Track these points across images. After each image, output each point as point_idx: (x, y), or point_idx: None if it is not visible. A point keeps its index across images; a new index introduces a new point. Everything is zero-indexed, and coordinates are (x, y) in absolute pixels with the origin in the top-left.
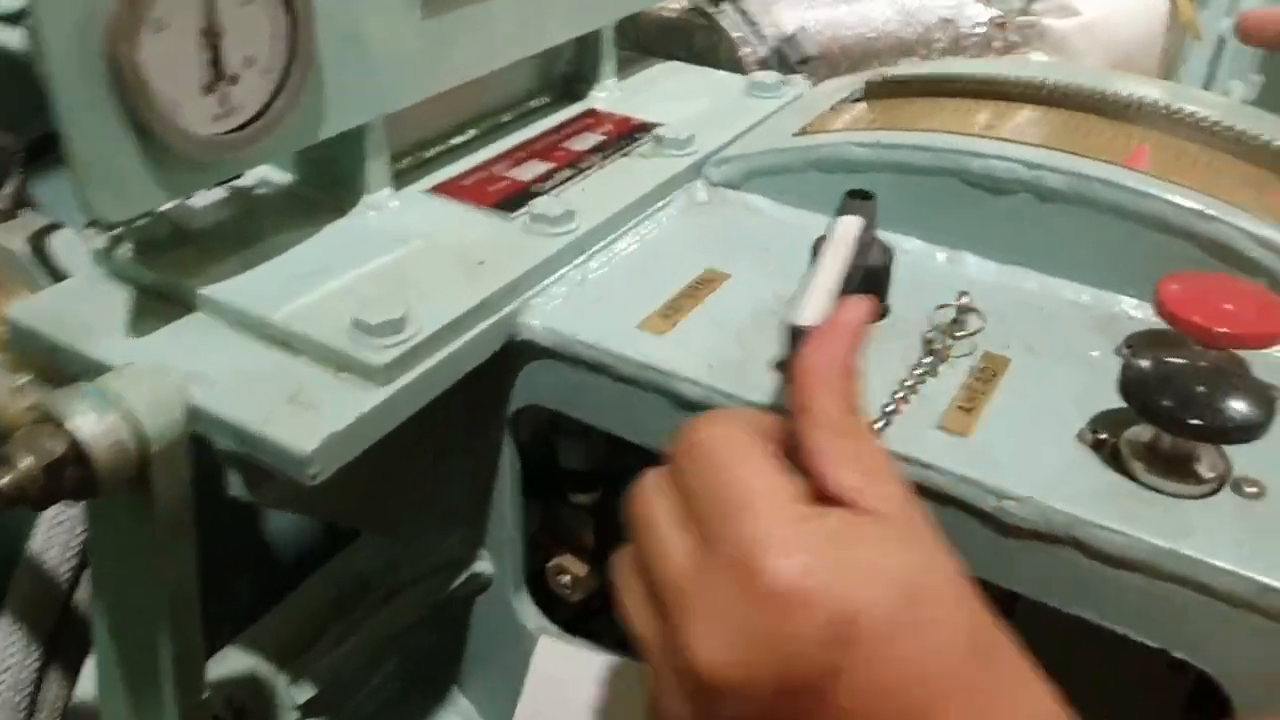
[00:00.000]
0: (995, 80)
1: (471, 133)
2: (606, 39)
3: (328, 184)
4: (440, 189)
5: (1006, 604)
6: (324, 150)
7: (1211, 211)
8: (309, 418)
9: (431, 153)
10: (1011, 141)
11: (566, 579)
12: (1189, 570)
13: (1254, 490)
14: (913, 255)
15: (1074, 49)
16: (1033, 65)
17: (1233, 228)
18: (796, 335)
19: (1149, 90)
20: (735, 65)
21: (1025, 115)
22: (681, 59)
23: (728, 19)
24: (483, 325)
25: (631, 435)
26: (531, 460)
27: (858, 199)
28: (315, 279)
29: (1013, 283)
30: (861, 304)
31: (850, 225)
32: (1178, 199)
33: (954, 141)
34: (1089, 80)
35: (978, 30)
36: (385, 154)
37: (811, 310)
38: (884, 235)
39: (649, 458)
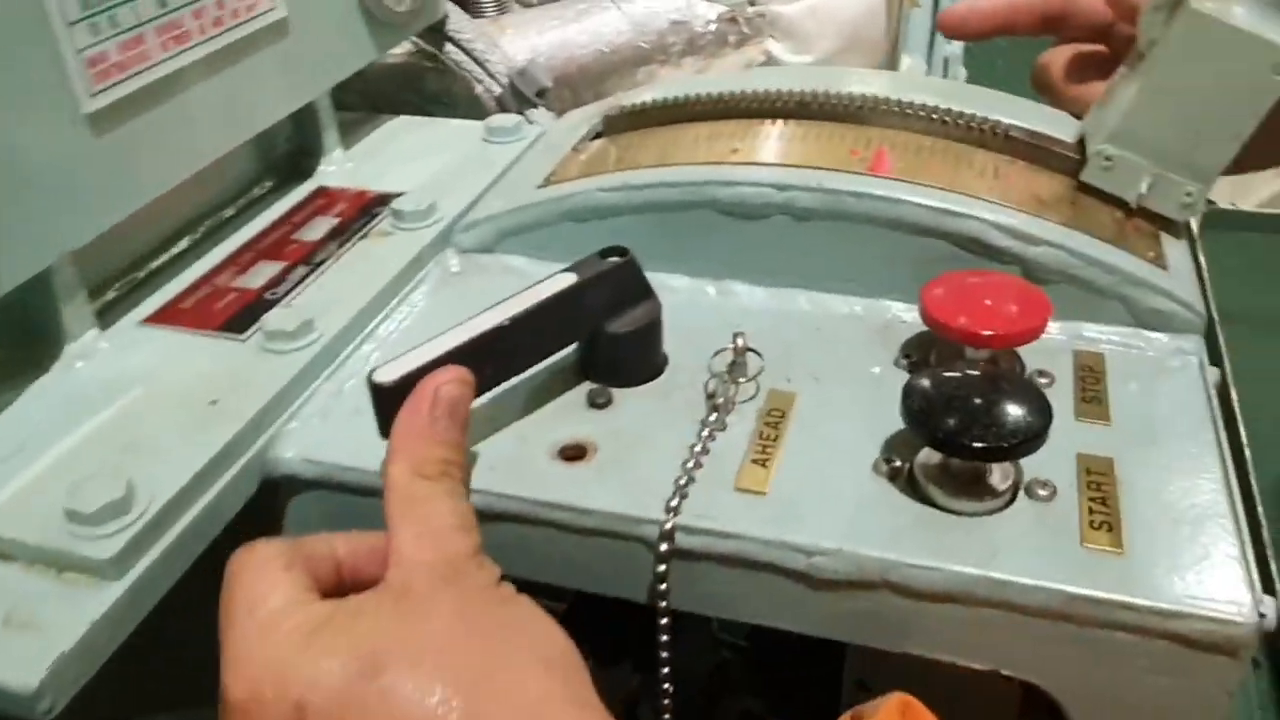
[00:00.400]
0: (731, 98)
1: (189, 239)
2: (324, 108)
3: (21, 340)
4: (158, 317)
5: None
6: (8, 303)
7: (957, 208)
8: (28, 641)
9: (145, 272)
10: (758, 164)
11: None
12: (1000, 593)
13: (1046, 492)
14: (682, 294)
15: (804, 32)
16: (765, 76)
17: (980, 221)
18: (374, 391)
19: (878, 86)
20: (473, 104)
21: (766, 131)
22: (415, 104)
23: (456, 58)
24: (227, 476)
25: None
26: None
27: (608, 256)
28: (15, 462)
29: (785, 306)
30: (449, 372)
31: (525, 298)
32: (924, 200)
33: (701, 173)
34: (820, 84)
35: (710, 28)
36: (82, 292)
37: (392, 369)
38: (652, 277)
39: None
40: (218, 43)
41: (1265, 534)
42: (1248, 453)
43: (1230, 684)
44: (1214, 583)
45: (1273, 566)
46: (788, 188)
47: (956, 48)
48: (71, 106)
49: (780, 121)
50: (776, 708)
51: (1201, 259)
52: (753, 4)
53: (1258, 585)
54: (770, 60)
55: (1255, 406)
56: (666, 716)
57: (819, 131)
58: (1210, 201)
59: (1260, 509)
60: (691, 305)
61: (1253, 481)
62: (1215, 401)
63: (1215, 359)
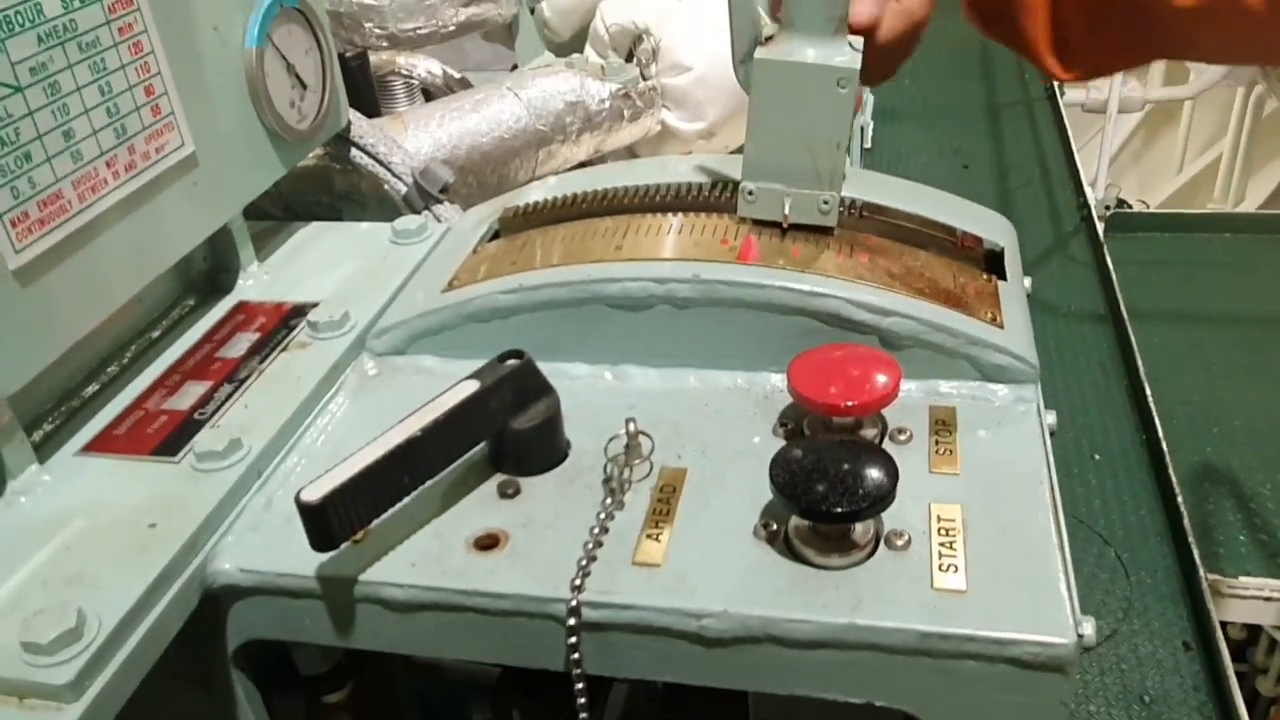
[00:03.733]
0: (613, 195)
1: (119, 364)
2: (238, 227)
3: None
4: (94, 445)
5: None
6: None
7: (818, 289)
8: None
9: (79, 401)
10: (639, 260)
11: None
12: (866, 637)
13: (902, 542)
14: (582, 380)
15: (695, 101)
16: (645, 169)
17: (836, 299)
18: (302, 510)
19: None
20: (382, 201)
21: (646, 225)
22: (327, 204)
23: (361, 161)
24: (169, 594)
25: (357, 646)
26: (271, 672)
27: (508, 360)
28: None
29: (675, 384)
30: None
31: (434, 408)
32: (787, 283)
33: (588, 271)
34: (694, 176)
35: (605, 105)
36: (19, 432)
37: (317, 488)
38: (553, 366)
39: None
40: (130, 186)
41: (1185, 522)
42: (1164, 444)
43: (1064, 695)
44: (1041, 611)
45: (1195, 552)
46: (666, 281)
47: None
48: None
49: (658, 215)
50: None
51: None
52: (644, 79)
53: (1077, 609)
54: (665, 128)
55: (1169, 396)
56: None
57: (694, 223)
58: (1122, 202)
59: (1180, 497)
60: (591, 390)
61: (1170, 471)
62: (1049, 444)
63: (1127, 355)
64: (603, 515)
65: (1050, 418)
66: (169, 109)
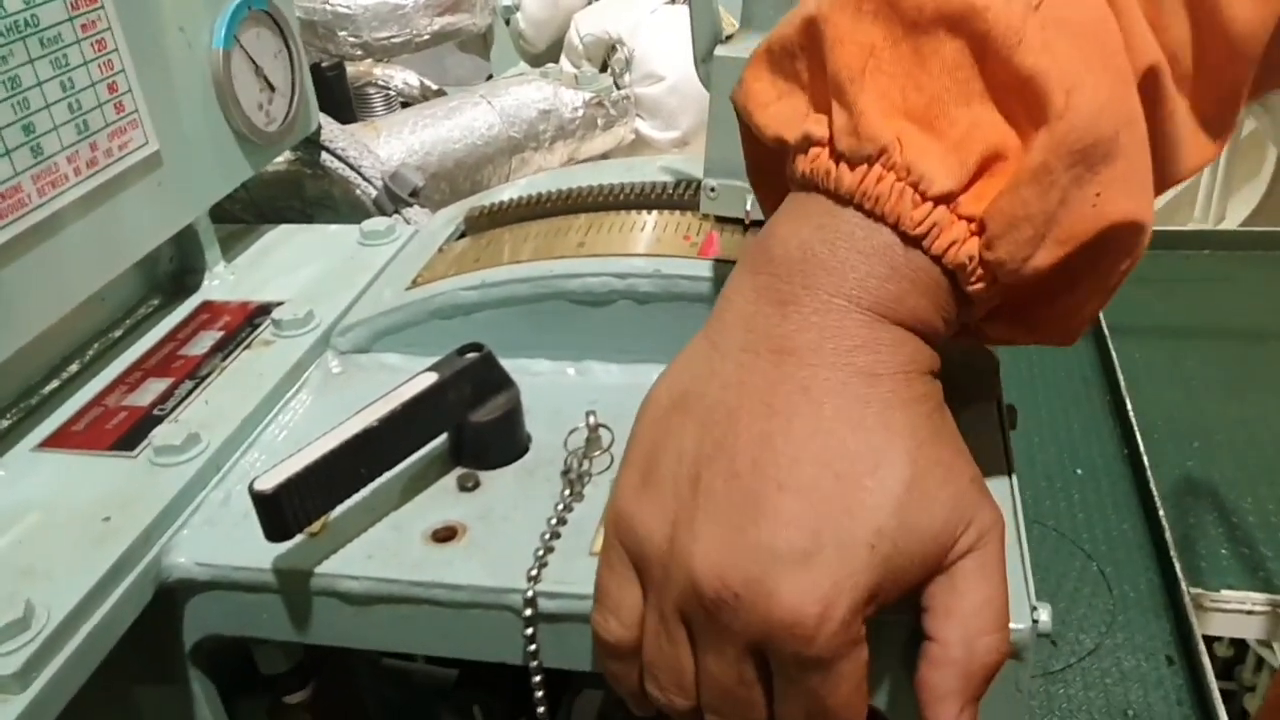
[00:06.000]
0: (577, 194)
1: (79, 363)
2: (204, 228)
3: None
4: (51, 442)
5: None
6: None
7: None
8: None
9: (37, 399)
10: (600, 256)
11: None
12: None
13: None
14: (545, 376)
15: (668, 110)
16: (611, 169)
17: None
18: (255, 499)
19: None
20: (354, 206)
21: (609, 222)
22: (298, 209)
23: (331, 165)
24: (123, 586)
25: (317, 642)
26: (233, 673)
27: (468, 353)
28: None
29: (636, 380)
30: None
31: (392, 399)
32: None
33: (551, 267)
34: (656, 176)
35: (578, 114)
36: None
37: (271, 477)
38: (516, 362)
39: None
40: (92, 182)
41: (1167, 536)
42: (1145, 459)
43: (1021, 681)
44: None
45: (1177, 565)
46: (627, 276)
47: None
48: None
49: (622, 212)
50: None
51: None
52: (618, 88)
53: (1033, 595)
54: (639, 137)
55: (1150, 410)
56: None
57: (657, 220)
58: None
59: (1161, 511)
60: (553, 386)
61: (1152, 486)
62: (1007, 429)
63: (1108, 370)
64: (561, 507)
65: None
66: (132, 106)
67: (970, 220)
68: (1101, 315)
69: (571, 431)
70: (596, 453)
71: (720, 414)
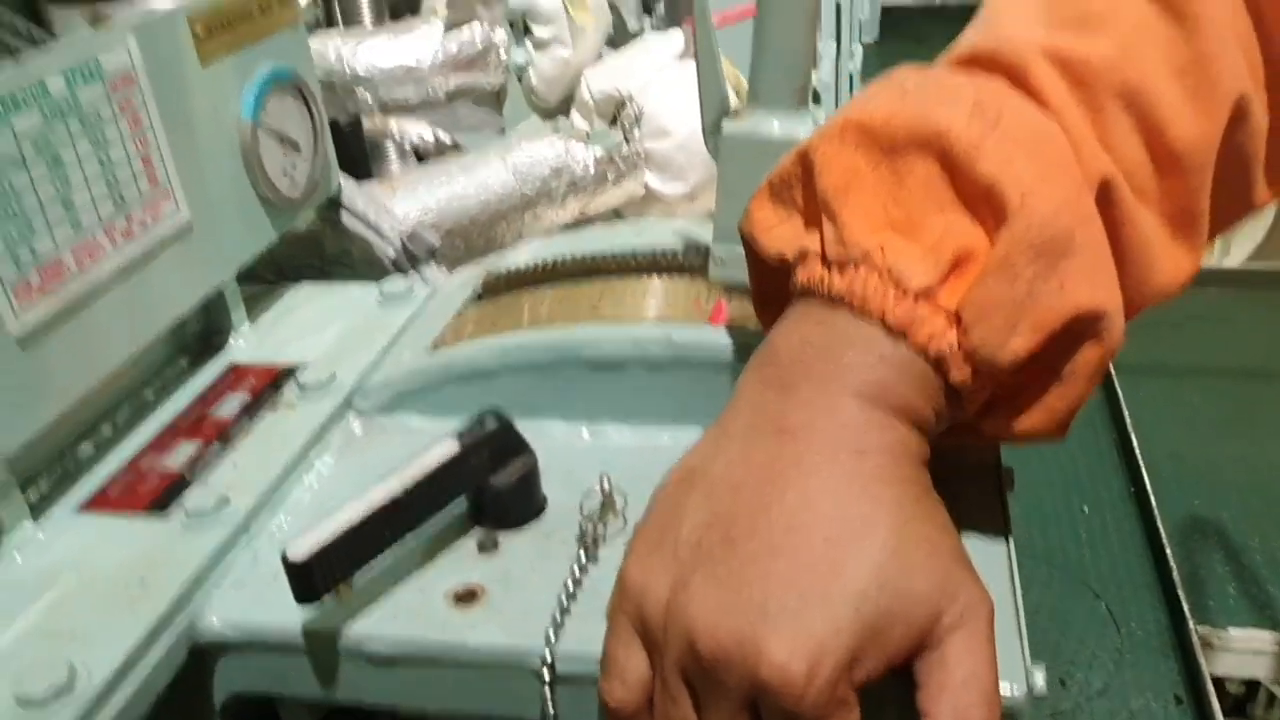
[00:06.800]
0: (591, 260)
1: (112, 425)
2: (230, 290)
3: None
4: (90, 505)
5: None
6: None
7: None
8: None
9: (72, 461)
10: (615, 321)
11: None
12: None
13: None
14: (560, 438)
15: (677, 165)
16: (623, 233)
17: None
18: (287, 567)
19: None
20: (372, 263)
21: (622, 288)
22: (317, 266)
23: (351, 224)
24: (159, 648)
25: (342, 700)
26: None
27: (486, 420)
28: None
29: (649, 442)
30: None
31: (419, 465)
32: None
33: (566, 333)
34: (667, 239)
35: (589, 170)
36: (15, 490)
37: (302, 545)
38: (532, 424)
39: None
40: (128, 253)
41: (1175, 574)
42: (1152, 497)
43: None
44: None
45: (1184, 604)
46: (640, 343)
47: None
48: None
49: (634, 278)
50: None
51: None
52: (628, 143)
53: (1028, 659)
54: (649, 191)
55: (1156, 449)
56: None
57: (668, 286)
58: None
59: (1169, 550)
60: (568, 448)
61: (1159, 524)
62: (1005, 489)
63: (1114, 409)
64: (577, 570)
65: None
66: (166, 178)
67: (948, 313)
68: None
69: (586, 494)
70: (610, 516)
71: (723, 487)
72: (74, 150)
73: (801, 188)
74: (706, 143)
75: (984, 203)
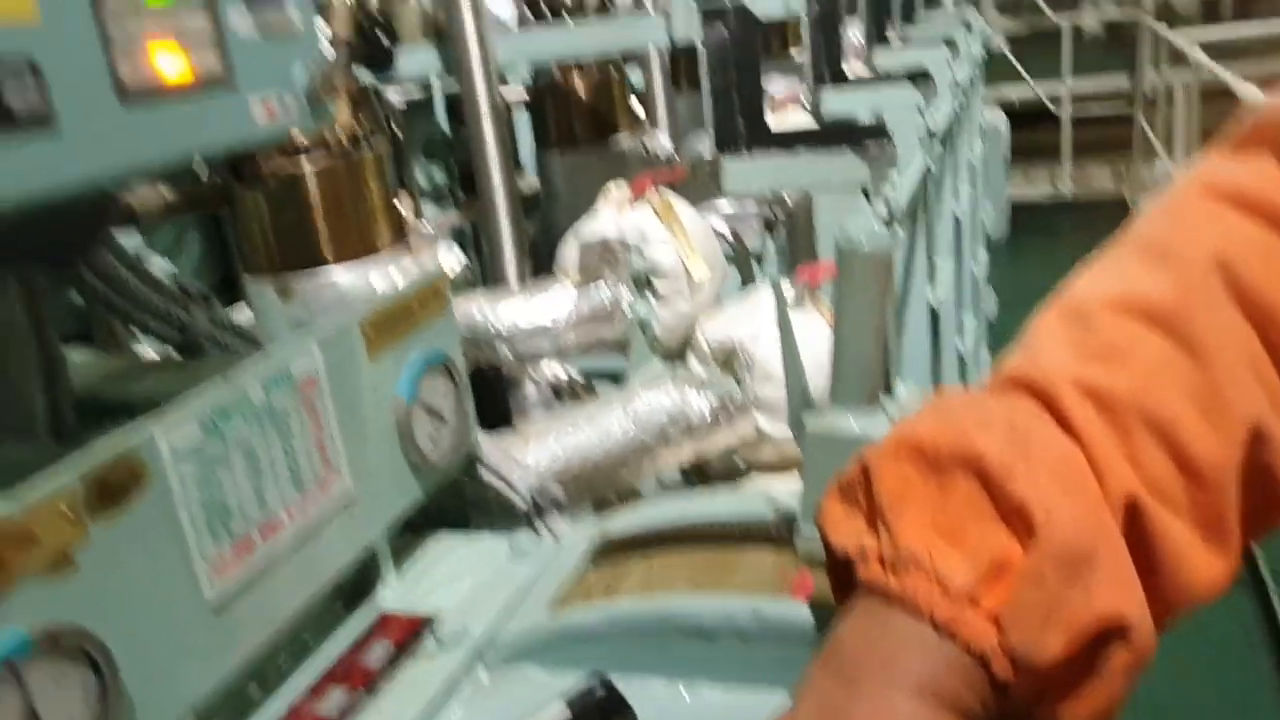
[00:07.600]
0: (694, 530)
1: (276, 667)
2: (381, 546)
3: None
4: None
5: None
6: None
7: None
8: None
9: (243, 701)
10: (711, 595)
11: None
12: None
13: None
14: (660, 698)
15: (785, 409)
16: (721, 502)
17: None
18: None
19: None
20: (505, 509)
21: (721, 561)
22: (458, 509)
23: (486, 476)
24: None
25: None
26: None
27: (594, 685)
28: None
29: (741, 701)
30: None
31: None
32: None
33: (668, 603)
34: (761, 508)
35: (704, 415)
36: None
37: None
38: (633, 680)
39: None
40: (303, 523)
41: None
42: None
43: None
44: None
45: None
46: (731, 616)
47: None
48: (197, 597)
49: (728, 549)
50: None
51: None
52: (739, 385)
53: None
54: (760, 433)
55: None
56: None
57: (757, 560)
58: None
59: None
60: (669, 705)
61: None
62: None
63: None
64: None
65: None
66: (336, 458)
67: (990, 615)
68: None
69: None
70: None
71: None
72: (266, 445)
73: (863, 492)
74: (792, 430)
75: (1017, 517)
